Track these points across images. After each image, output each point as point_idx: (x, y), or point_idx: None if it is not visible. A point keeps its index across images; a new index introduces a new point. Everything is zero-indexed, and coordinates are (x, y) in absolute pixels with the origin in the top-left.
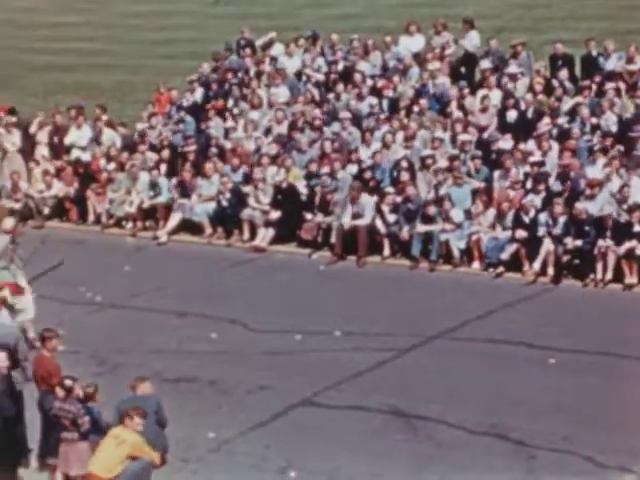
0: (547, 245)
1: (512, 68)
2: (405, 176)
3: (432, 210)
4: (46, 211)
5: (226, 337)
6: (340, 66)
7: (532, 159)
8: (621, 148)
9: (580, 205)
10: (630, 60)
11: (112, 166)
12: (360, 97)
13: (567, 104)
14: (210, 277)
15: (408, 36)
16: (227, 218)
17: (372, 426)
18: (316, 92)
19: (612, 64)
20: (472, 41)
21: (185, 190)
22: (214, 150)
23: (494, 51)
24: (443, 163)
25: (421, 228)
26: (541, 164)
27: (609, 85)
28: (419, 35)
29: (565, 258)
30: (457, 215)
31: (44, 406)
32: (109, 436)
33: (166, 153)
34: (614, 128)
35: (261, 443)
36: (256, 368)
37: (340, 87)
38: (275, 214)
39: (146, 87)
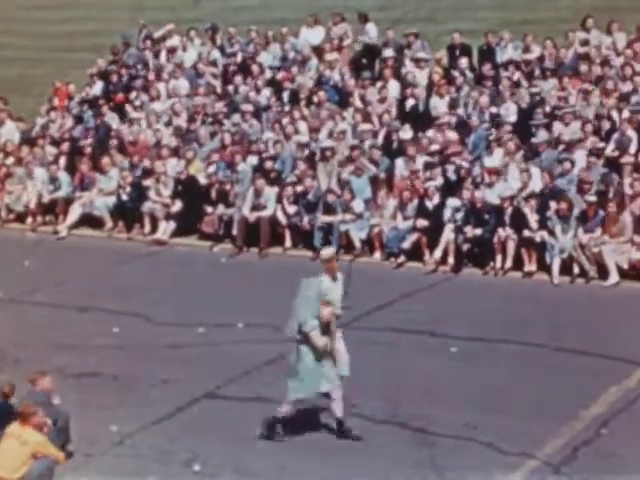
0: (447, 234)
1: (412, 57)
2: (305, 167)
3: (333, 201)
4: None
5: (128, 331)
6: (239, 58)
7: (430, 149)
8: (515, 138)
9: (479, 194)
10: (527, 49)
11: (10, 160)
12: (257, 89)
13: (465, 93)
14: (111, 271)
15: (308, 28)
16: (127, 212)
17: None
18: (217, 84)
19: (509, 54)
20: (369, 34)
21: (84, 184)
22: (114, 142)
23: (392, 41)
24: (345, 153)
25: (322, 219)
26: (440, 153)
27: (506, 74)
28: (318, 27)
29: (465, 247)
30: (358, 205)
31: None
32: (9, 436)
33: (66, 147)
34: (513, 118)
35: (165, 436)
36: (159, 362)
37: (238, 79)
38: (176, 207)
39: (46, 81)
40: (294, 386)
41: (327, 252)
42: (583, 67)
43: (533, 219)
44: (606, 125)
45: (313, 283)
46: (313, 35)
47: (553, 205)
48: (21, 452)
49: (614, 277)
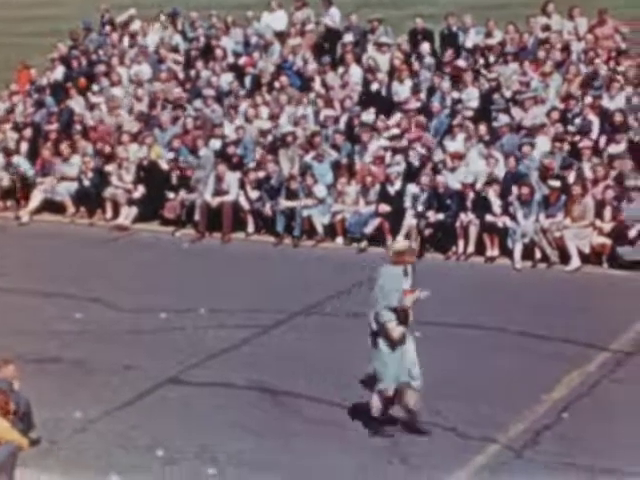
0: (409, 219)
1: (382, 38)
2: (266, 152)
3: (295, 186)
4: None
5: (90, 317)
6: (201, 43)
7: (391, 132)
8: (475, 122)
9: (441, 178)
10: (489, 34)
11: None
12: (218, 74)
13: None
14: (74, 257)
15: (270, 13)
16: (89, 197)
17: (239, 403)
18: (178, 69)
19: (471, 39)
20: (333, 18)
21: (45, 170)
22: (78, 128)
23: (354, 26)
24: (305, 139)
25: (284, 204)
26: (400, 137)
27: (468, 59)
28: (281, 11)
29: (427, 232)
30: (320, 190)
31: None
32: None
33: (28, 132)
34: (475, 103)
35: (128, 422)
36: (121, 347)
37: (200, 64)
38: (138, 192)
39: (8, 66)
40: (381, 376)
41: (399, 245)
42: (541, 53)
43: (496, 204)
44: (569, 110)
45: (389, 272)
46: (275, 20)
47: (515, 190)
48: None
49: (575, 262)
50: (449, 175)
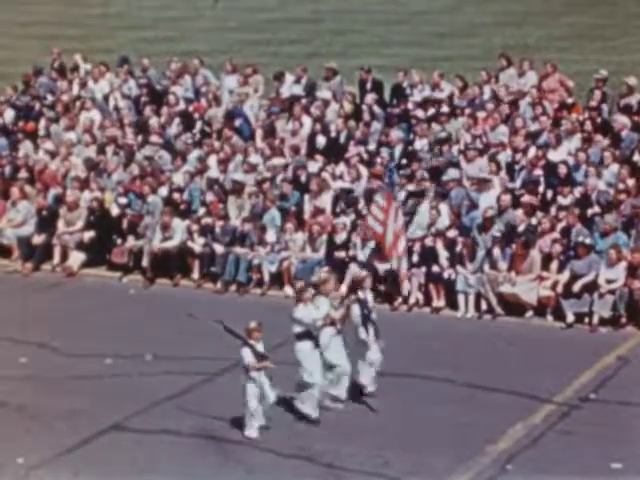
0: (353, 268)
1: (323, 93)
2: (215, 199)
3: (245, 233)
4: None
5: (35, 361)
6: (151, 89)
7: (339, 184)
8: (424, 174)
9: None
10: (436, 86)
11: None
12: (168, 121)
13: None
14: (19, 301)
15: (226, 75)
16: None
17: (183, 450)
18: (129, 113)
19: (418, 93)
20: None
21: None
22: (24, 174)
23: (303, 78)
24: (254, 187)
25: (232, 251)
26: (349, 189)
27: (419, 112)
28: (235, 75)
29: (373, 281)
30: (270, 237)
31: None
32: None
33: None
34: (425, 154)
35: (70, 468)
36: (66, 393)
37: (150, 110)
38: (88, 236)
39: None
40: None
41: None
42: (489, 105)
43: (443, 256)
44: (515, 163)
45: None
46: (231, 81)
47: (460, 243)
48: None
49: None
50: None
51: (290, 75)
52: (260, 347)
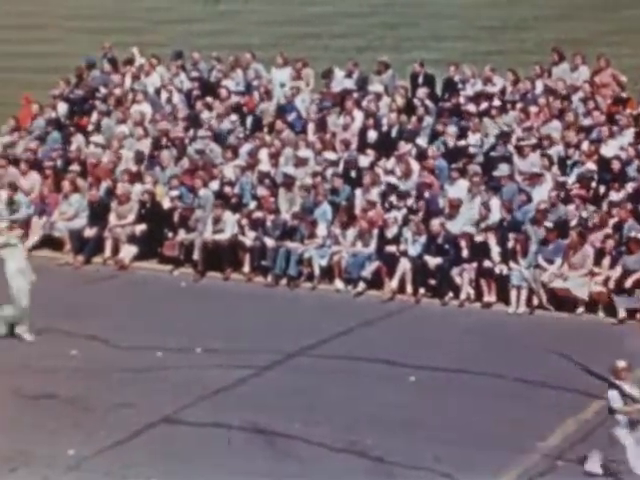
0: (404, 263)
1: (375, 87)
2: (266, 193)
3: (295, 227)
4: None
5: (86, 354)
6: (203, 83)
7: (390, 179)
8: (477, 168)
9: (437, 223)
10: (487, 80)
11: None
12: (223, 114)
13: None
14: (71, 293)
15: (277, 69)
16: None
17: (233, 444)
18: (181, 107)
19: (470, 87)
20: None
21: (45, 206)
22: (76, 168)
23: (355, 72)
24: (307, 181)
25: (283, 245)
26: (398, 184)
27: (470, 107)
28: (287, 68)
29: (424, 276)
30: (321, 232)
31: None
32: None
33: (25, 168)
34: (477, 149)
35: (121, 461)
36: (117, 385)
37: (202, 104)
38: (139, 229)
39: (11, 101)
40: None
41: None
42: (541, 100)
43: (495, 251)
44: (568, 158)
45: None
46: (282, 75)
47: (512, 238)
48: None
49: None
50: (448, 220)
51: (339, 70)
52: (630, 388)
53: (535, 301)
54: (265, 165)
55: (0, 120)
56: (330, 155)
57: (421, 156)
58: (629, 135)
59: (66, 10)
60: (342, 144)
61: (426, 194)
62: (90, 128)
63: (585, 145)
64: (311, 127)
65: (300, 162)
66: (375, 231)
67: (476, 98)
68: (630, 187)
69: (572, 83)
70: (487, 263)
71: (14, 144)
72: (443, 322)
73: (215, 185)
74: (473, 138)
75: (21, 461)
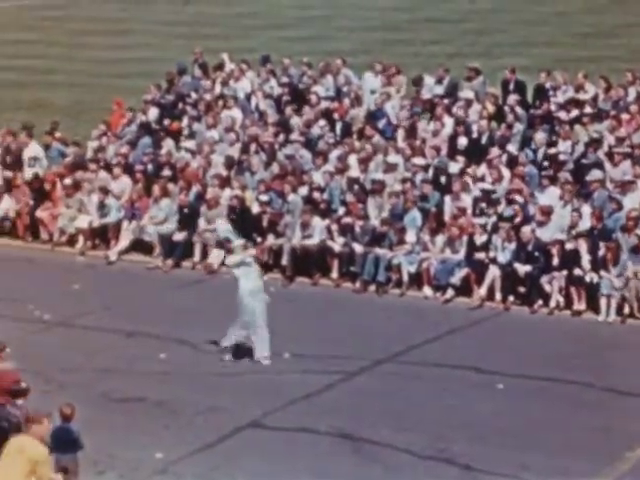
0: (493, 270)
1: (466, 93)
2: (355, 199)
3: (384, 233)
4: None
5: (175, 357)
6: (293, 88)
7: (481, 185)
8: (568, 176)
9: (527, 231)
10: (579, 88)
11: (67, 182)
12: (312, 120)
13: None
14: (159, 297)
15: (371, 73)
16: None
17: (320, 449)
18: (271, 113)
19: (561, 94)
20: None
21: (134, 210)
22: (167, 172)
23: (445, 78)
24: (396, 187)
25: (372, 251)
26: (492, 190)
27: (562, 114)
28: (380, 76)
29: (513, 283)
30: (410, 238)
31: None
32: (12, 447)
33: (118, 172)
34: (567, 156)
35: (208, 465)
36: (205, 389)
37: (291, 110)
38: None
39: (99, 106)
40: None
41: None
42: (634, 107)
43: (585, 258)
44: None
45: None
46: (374, 81)
47: (602, 245)
48: (20, 469)
49: None
50: (538, 228)
51: (429, 76)
52: None
53: (627, 309)
54: (354, 171)
55: (90, 124)
56: (419, 161)
57: (511, 163)
58: None
59: (153, 16)
60: (432, 150)
61: (516, 200)
62: (185, 133)
63: None
64: (401, 133)
65: (389, 168)
66: (464, 238)
67: (567, 105)
68: None
69: None
70: (577, 271)
71: (103, 149)
72: (532, 330)
73: (304, 190)
74: (563, 145)
75: (108, 464)
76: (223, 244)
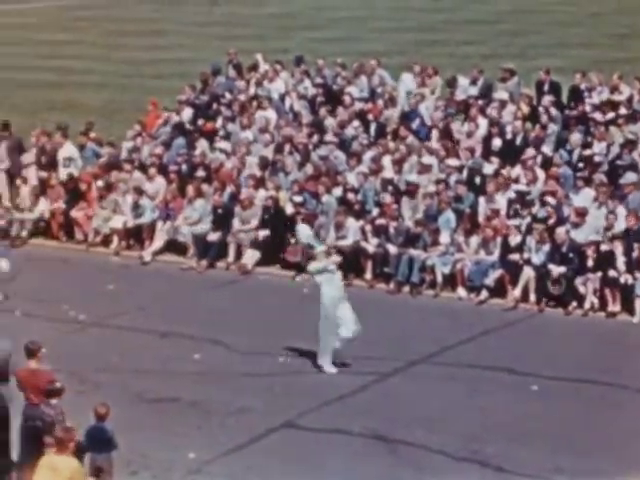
0: (527, 272)
1: (500, 94)
2: (389, 200)
3: (418, 234)
4: (27, 229)
5: (209, 358)
6: (327, 89)
7: (516, 187)
8: (603, 177)
9: (562, 232)
10: (614, 89)
11: (100, 183)
12: (346, 121)
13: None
14: (193, 298)
15: (408, 73)
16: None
17: (353, 450)
18: (305, 113)
19: (597, 95)
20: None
21: (168, 211)
22: (201, 173)
23: (480, 79)
24: (431, 188)
25: (406, 252)
26: (526, 191)
27: (597, 115)
28: (417, 78)
29: (548, 285)
30: (444, 239)
31: (32, 417)
32: (44, 467)
33: (153, 172)
34: (602, 158)
35: (241, 465)
36: (238, 389)
37: (325, 110)
38: (262, 234)
39: (134, 106)
40: None
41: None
42: None
43: (620, 260)
44: None
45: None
46: (411, 81)
47: (637, 247)
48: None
49: None
50: (573, 229)
51: (463, 77)
52: None
53: None
54: (388, 172)
55: (124, 125)
56: (454, 162)
57: (546, 164)
58: None
59: (186, 17)
60: (466, 151)
61: (551, 202)
62: (220, 133)
63: None
64: (435, 134)
65: (424, 169)
66: (498, 239)
67: (602, 106)
68: None
69: None
70: (612, 272)
71: (138, 149)
72: (566, 331)
73: (338, 191)
74: (598, 147)
75: (141, 464)
76: (305, 251)
